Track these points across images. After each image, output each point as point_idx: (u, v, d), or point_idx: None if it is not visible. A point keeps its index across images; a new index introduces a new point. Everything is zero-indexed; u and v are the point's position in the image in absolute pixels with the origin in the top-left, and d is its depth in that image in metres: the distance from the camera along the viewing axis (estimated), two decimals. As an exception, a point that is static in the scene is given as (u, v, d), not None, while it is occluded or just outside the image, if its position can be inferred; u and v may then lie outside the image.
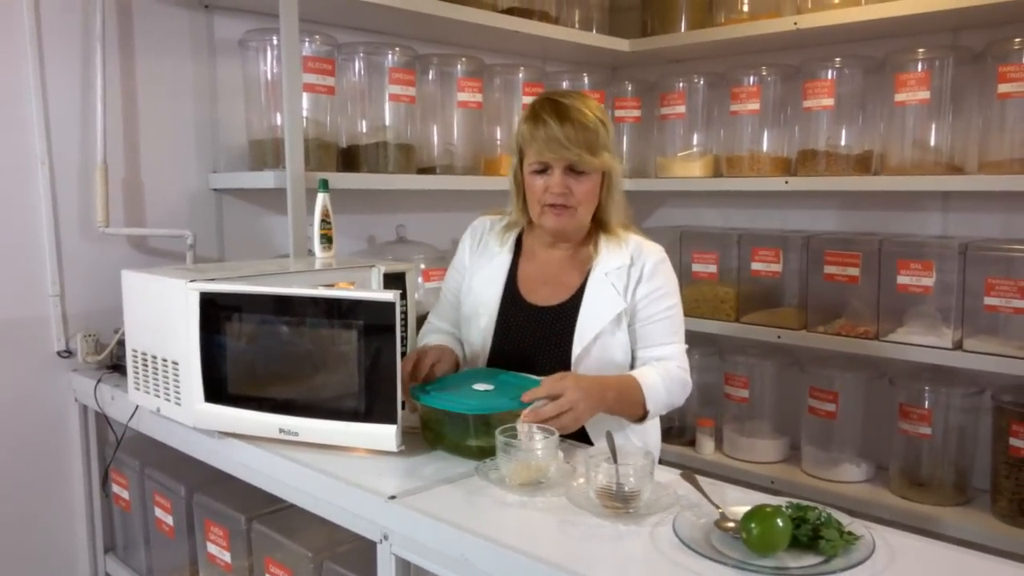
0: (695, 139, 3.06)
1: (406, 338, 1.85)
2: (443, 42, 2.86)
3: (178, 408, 1.74)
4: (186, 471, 2.01)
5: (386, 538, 1.41)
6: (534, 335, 1.88)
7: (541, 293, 1.91)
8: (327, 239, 2.07)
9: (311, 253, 2.12)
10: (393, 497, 1.42)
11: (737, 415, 2.90)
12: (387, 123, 2.52)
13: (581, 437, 1.74)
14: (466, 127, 2.75)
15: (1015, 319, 2.25)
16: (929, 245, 2.42)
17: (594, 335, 1.83)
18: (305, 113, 2.31)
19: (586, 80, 3.13)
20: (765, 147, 2.85)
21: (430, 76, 2.69)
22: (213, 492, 1.95)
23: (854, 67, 2.65)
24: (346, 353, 1.61)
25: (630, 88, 3.23)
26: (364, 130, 2.53)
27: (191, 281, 1.67)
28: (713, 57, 3.12)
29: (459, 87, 2.70)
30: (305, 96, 2.31)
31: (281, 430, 1.64)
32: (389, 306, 1.54)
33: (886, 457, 2.61)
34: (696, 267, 2.92)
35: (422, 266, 2.61)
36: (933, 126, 2.48)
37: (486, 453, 1.56)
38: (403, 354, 1.61)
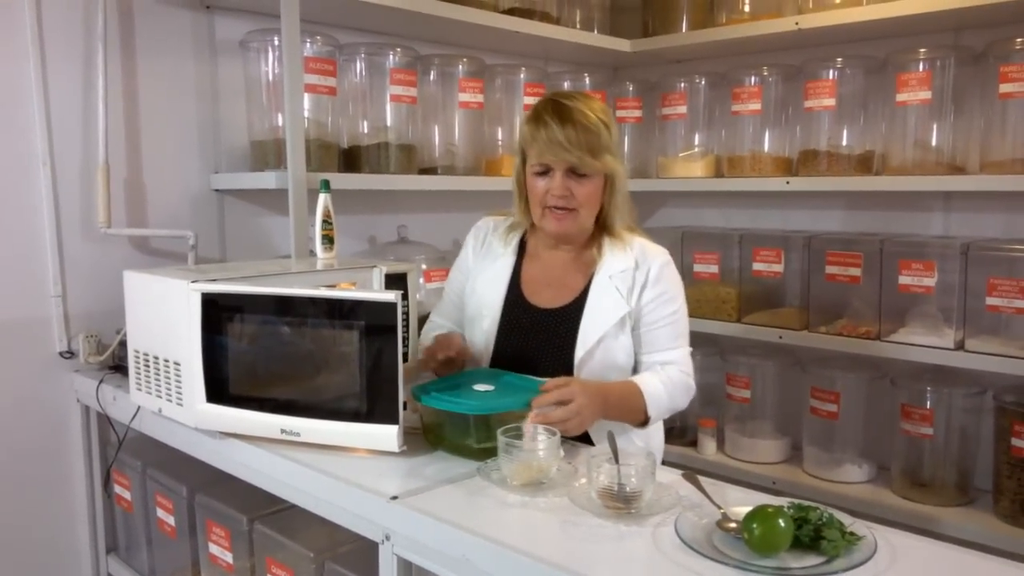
0: (696, 139, 3.06)
1: (407, 339, 1.85)
2: (444, 42, 2.86)
3: (180, 409, 1.74)
4: (188, 471, 2.01)
5: (388, 538, 1.41)
6: (537, 337, 1.88)
7: (544, 295, 1.91)
8: (328, 240, 2.07)
9: (312, 254, 2.12)
10: (395, 497, 1.42)
11: (739, 415, 2.90)
12: (388, 123, 2.52)
13: (583, 438, 1.74)
14: (467, 127, 2.75)
15: (1017, 319, 2.25)
16: (931, 245, 2.42)
17: (597, 339, 1.82)
18: (306, 114, 2.31)
19: (587, 80, 3.13)
20: (766, 147, 2.85)
21: (431, 76, 2.69)
22: (215, 493, 1.95)
23: (855, 67, 2.64)
24: (347, 354, 1.61)
25: (631, 88, 3.23)
26: (365, 131, 2.53)
27: (193, 282, 1.67)
28: (714, 57, 3.12)
29: (460, 87, 2.70)
30: (306, 97, 2.31)
31: (283, 431, 1.64)
32: (391, 307, 1.54)
33: (888, 457, 2.60)
34: (697, 267, 2.91)
35: (423, 267, 2.61)
36: (935, 126, 2.48)
37: (488, 453, 1.56)
38: (405, 355, 1.61)
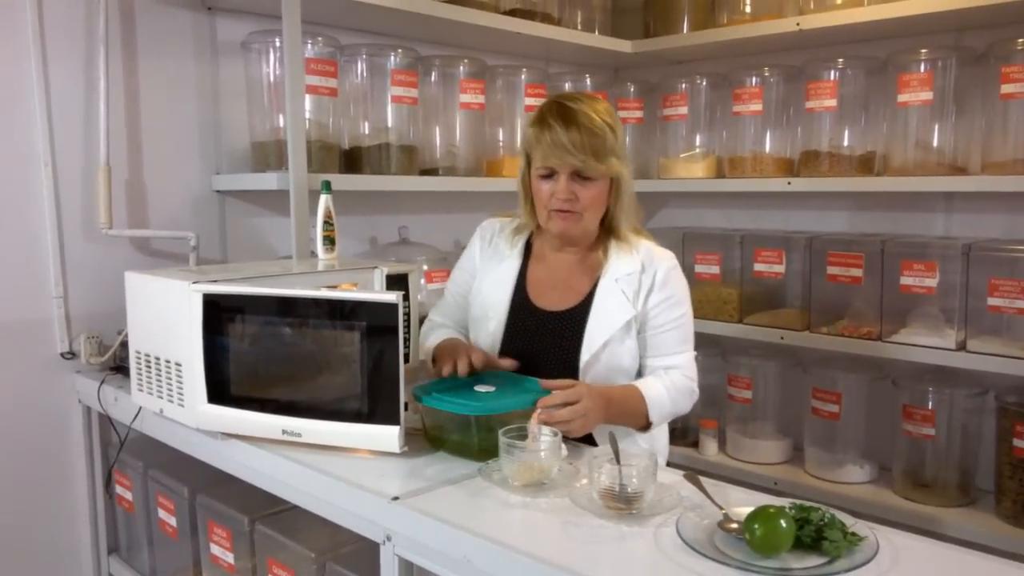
0: (697, 140, 3.06)
1: (409, 339, 1.85)
2: (445, 43, 2.86)
3: (181, 409, 1.74)
4: (189, 472, 2.01)
5: (389, 539, 1.41)
6: (543, 340, 1.88)
7: (550, 297, 1.91)
8: (330, 240, 2.07)
9: (314, 255, 2.13)
10: (396, 498, 1.42)
11: (740, 416, 2.90)
12: (389, 124, 2.52)
13: (586, 439, 1.74)
14: (468, 128, 2.75)
15: (1018, 320, 2.25)
16: (932, 246, 2.42)
17: (603, 342, 1.82)
18: (308, 115, 2.32)
19: (588, 81, 3.13)
20: (768, 148, 2.85)
21: (432, 77, 2.69)
22: (216, 493, 1.95)
23: (857, 68, 2.64)
24: (349, 354, 1.61)
25: (632, 89, 3.23)
26: (366, 132, 2.53)
27: (194, 283, 1.67)
28: (715, 58, 3.12)
29: (461, 88, 2.70)
30: (308, 98, 2.31)
31: (284, 431, 1.64)
32: (392, 307, 1.54)
33: (889, 458, 2.60)
34: (699, 268, 2.91)
35: (425, 267, 2.61)
36: (936, 127, 2.47)
37: (489, 454, 1.55)
38: (406, 356, 1.61)
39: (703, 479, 1.49)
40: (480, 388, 1.69)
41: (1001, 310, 2.27)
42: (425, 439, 1.69)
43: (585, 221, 1.83)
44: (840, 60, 2.64)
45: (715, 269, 2.89)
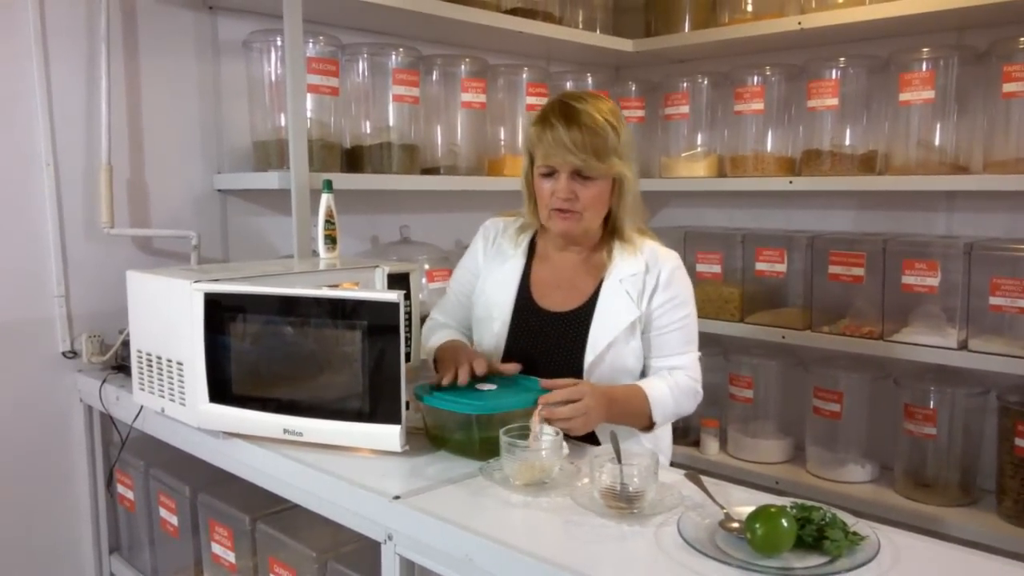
0: (699, 139, 3.06)
1: (410, 339, 1.85)
2: (447, 43, 2.86)
3: (182, 408, 1.74)
4: (190, 471, 2.01)
5: (390, 538, 1.41)
6: (547, 341, 1.87)
7: (554, 298, 1.90)
8: (331, 240, 2.07)
9: (315, 254, 2.13)
10: (397, 497, 1.42)
11: (741, 415, 2.90)
12: (391, 124, 2.52)
13: (588, 438, 1.74)
14: (470, 128, 2.75)
15: (1020, 319, 2.25)
16: (934, 245, 2.41)
17: (607, 343, 1.82)
18: (309, 114, 2.32)
19: (590, 80, 3.13)
20: (769, 147, 2.85)
21: (434, 77, 2.69)
22: (217, 492, 1.95)
23: (858, 67, 2.64)
24: (350, 354, 1.61)
25: (634, 88, 3.22)
26: (368, 131, 2.53)
27: (195, 282, 1.67)
28: (717, 57, 3.12)
29: (463, 87, 2.70)
30: (309, 97, 2.32)
31: (285, 430, 1.65)
32: (393, 306, 1.54)
33: (891, 457, 2.60)
34: (700, 267, 2.91)
35: (426, 266, 2.61)
36: (938, 126, 2.47)
37: (490, 453, 1.55)
38: (407, 355, 1.61)
39: (704, 478, 1.49)
40: (481, 387, 1.69)
41: (1003, 309, 2.27)
42: (426, 438, 1.69)
43: (586, 221, 1.82)
44: (842, 59, 2.64)
45: (716, 268, 2.88)
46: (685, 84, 3.04)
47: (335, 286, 1.81)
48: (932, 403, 2.44)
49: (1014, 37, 2.28)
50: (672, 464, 1.95)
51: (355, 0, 2.30)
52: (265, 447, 1.67)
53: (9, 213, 2.12)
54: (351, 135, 2.53)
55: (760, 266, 2.79)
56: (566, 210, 1.79)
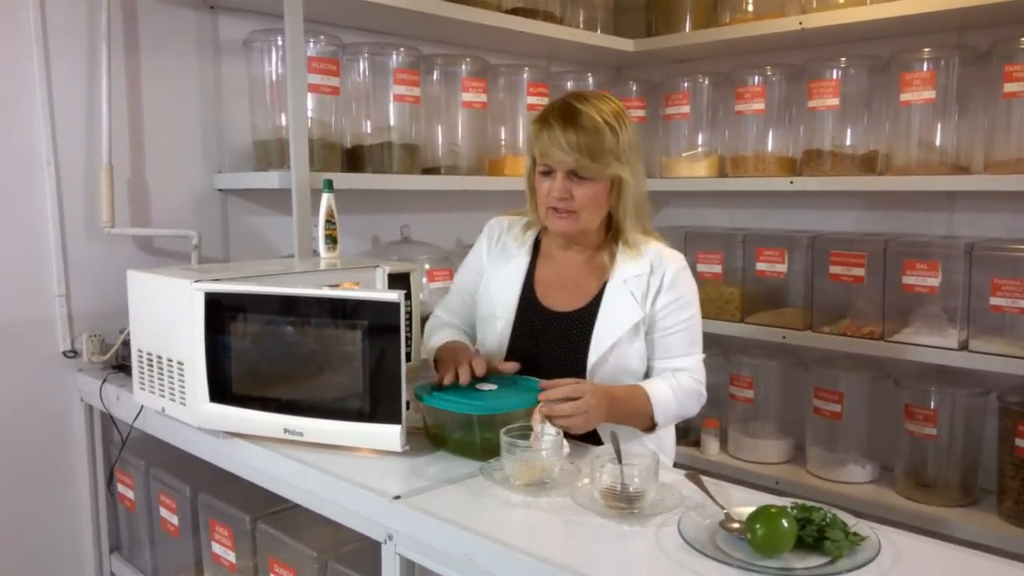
0: (700, 139, 3.06)
1: (411, 338, 1.85)
2: (447, 42, 2.86)
3: (183, 408, 1.74)
4: (191, 471, 2.01)
5: (390, 538, 1.41)
6: (550, 340, 1.87)
7: (558, 298, 1.90)
8: (331, 239, 2.07)
9: (316, 253, 2.13)
10: (397, 497, 1.42)
11: (742, 416, 2.90)
12: (391, 123, 2.52)
13: (591, 437, 1.74)
14: (470, 127, 2.75)
15: (1021, 319, 2.25)
16: (935, 245, 2.41)
17: (611, 344, 1.81)
18: (310, 113, 2.32)
19: (590, 80, 3.13)
20: (770, 147, 2.85)
21: (434, 76, 2.69)
22: (218, 492, 1.95)
23: (859, 67, 2.64)
24: (351, 353, 1.61)
25: (634, 88, 3.22)
26: (368, 130, 2.53)
27: (196, 281, 1.67)
28: (718, 57, 3.11)
29: (463, 87, 2.70)
30: (310, 96, 2.32)
31: (286, 430, 1.65)
32: (394, 306, 1.54)
33: (891, 458, 2.60)
34: (701, 267, 2.91)
35: (427, 266, 2.61)
36: (939, 126, 2.47)
37: (490, 453, 1.55)
38: (408, 355, 1.61)
39: (705, 479, 1.49)
40: (482, 387, 1.69)
41: (1003, 310, 2.26)
42: (427, 438, 1.69)
43: (582, 221, 1.82)
44: (843, 59, 2.64)
45: (717, 268, 2.88)
46: (686, 84, 3.04)
47: (336, 286, 1.81)
48: (933, 403, 2.44)
49: (1015, 37, 2.28)
50: (673, 465, 1.95)
51: (356, 0, 2.30)
52: (265, 447, 1.67)
53: (10, 212, 2.12)
54: (352, 135, 2.53)
55: (761, 266, 2.79)
56: (561, 209, 1.80)
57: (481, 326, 1.97)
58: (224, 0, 2.39)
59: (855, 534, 1.25)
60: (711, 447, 2.92)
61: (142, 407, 1.92)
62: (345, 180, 2.32)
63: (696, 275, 2.84)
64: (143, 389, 1.87)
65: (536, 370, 1.79)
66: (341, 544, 1.69)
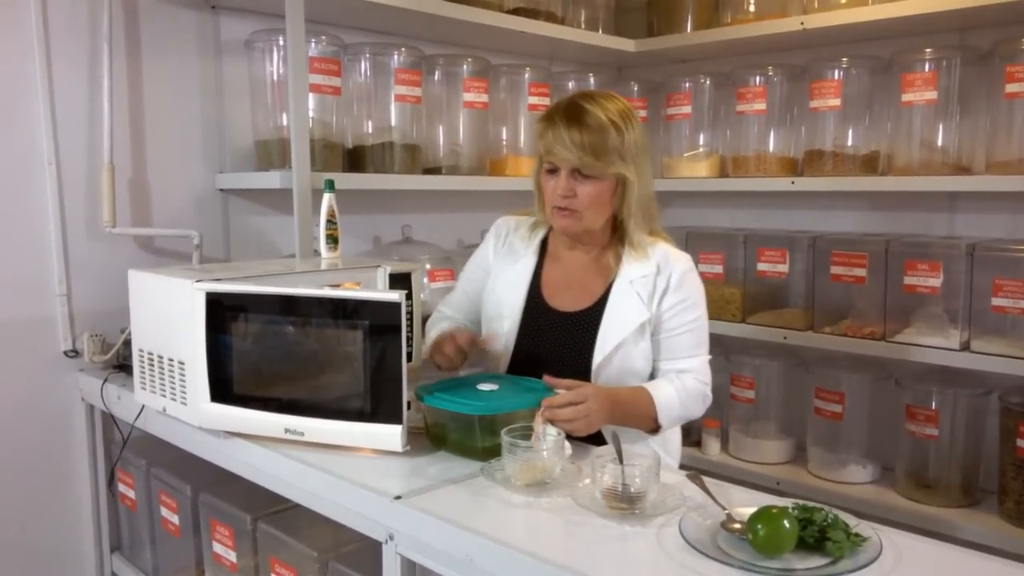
0: (701, 139, 3.06)
1: (412, 338, 1.85)
2: (449, 42, 2.86)
3: (184, 408, 1.74)
4: (192, 471, 2.01)
5: (391, 538, 1.41)
6: (555, 340, 1.87)
7: (564, 298, 1.90)
8: (333, 239, 2.07)
9: (317, 253, 2.13)
10: (398, 497, 1.42)
11: (743, 416, 2.90)
12: (393, 123, 2.52)
13: (593, 438, 1.73)
14: (472, 127, 2.75)
15: (1022, 320, 2.24)
16: (936, 246, 2.41)
17: (616, 344, 1.81)
18: (311, 113, 2.32)
19: (592, 80, 3.13)
20: (771, 147, 2.85)
21: (436, 76, 2.69)
22: (219, 492, 1.95)
23: (861, 67, 2.64)
24: (352, 353, 1.61)
25: (636, 88, 3.22)
26: (370, 130, 2.53)
27: (197, 281, 1.67)
28: (719, 57, 3.11)
29: (465, 87, 2.70)
30: (311, 96, 2.32)
31: (287, 430, 1.65)
32: (395, 306, 1.55)
33: (892, 458, 2.60)
34: (702, 268, 2.90)
35: (428, 266, 2.61)
36: (940, 126, 2.47)
37: (491, 453, 1.55)
38: (409, 355, 1.61)
39: (706, 479, 1.49)
40: (483, 387, 1.69)
41: (1005, 310, 2.26)
42: (427, 438, 1.69)
43: (586, 220, 1.82)
44: (844, 59, 2.64)
45: (718, 269, 2.88)
46: (687, 84, 3.04)
47: (337, 286, 1.81)
48: (934, 404, 2.44)
49: (1017, 38, 2.28)
50: (680, 466, 1.94)
51: (357, 0, 2.30)
52: (266, 447, 1.67)
53: (11, 212, 2.12)
54: (353, 135, 2.53)
55: (762, 266, 2.79)
56: (565, 208, 1.80)
57: (487, 325, 1.98)
58: (225, 0, 2.39)
59: (856, 535, 1.25)
60: (712, 447, 2.92)
61: (143, 407, 1.92)
62: (346, 180, 2.32)
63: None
64: (144, 389, 1.87)
65: (541, 369, 1.78)
66: (342, 544, 1.69)
